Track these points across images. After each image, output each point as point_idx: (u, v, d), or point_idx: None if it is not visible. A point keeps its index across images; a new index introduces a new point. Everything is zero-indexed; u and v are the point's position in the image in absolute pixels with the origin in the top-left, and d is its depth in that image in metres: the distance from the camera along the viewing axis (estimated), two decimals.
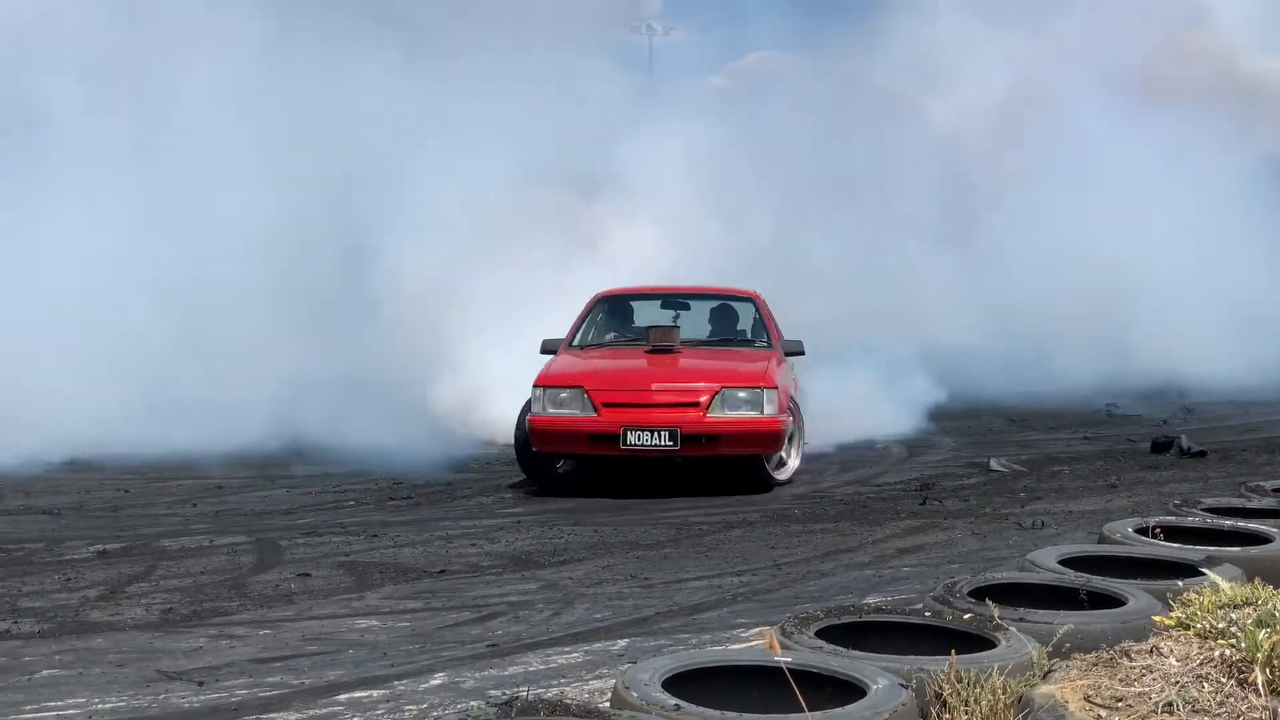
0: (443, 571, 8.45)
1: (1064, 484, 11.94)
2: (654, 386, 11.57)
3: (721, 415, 11.32)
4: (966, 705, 4.30)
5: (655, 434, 11.15)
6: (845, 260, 18.88)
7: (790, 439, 11.92)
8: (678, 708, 3.86)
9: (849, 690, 4.10)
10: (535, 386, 11.60)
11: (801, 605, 7.32)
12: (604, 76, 19.48)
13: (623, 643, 6.78)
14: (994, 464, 12.87)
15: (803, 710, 3.85)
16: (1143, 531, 6.74)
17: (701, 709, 3.85)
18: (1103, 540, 6.73)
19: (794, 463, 12.07)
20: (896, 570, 8.49)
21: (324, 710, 5.70)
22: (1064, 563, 6.03)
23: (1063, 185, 24.21)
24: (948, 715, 4.30)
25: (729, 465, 11.70)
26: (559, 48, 19.07)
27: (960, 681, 4.32)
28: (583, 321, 13.12)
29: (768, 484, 11.67)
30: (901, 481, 12.17)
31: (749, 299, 13.45)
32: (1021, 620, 4.93)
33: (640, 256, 16.00)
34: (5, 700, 5.84)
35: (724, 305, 13.62)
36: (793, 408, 12.00)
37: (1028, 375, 20.93)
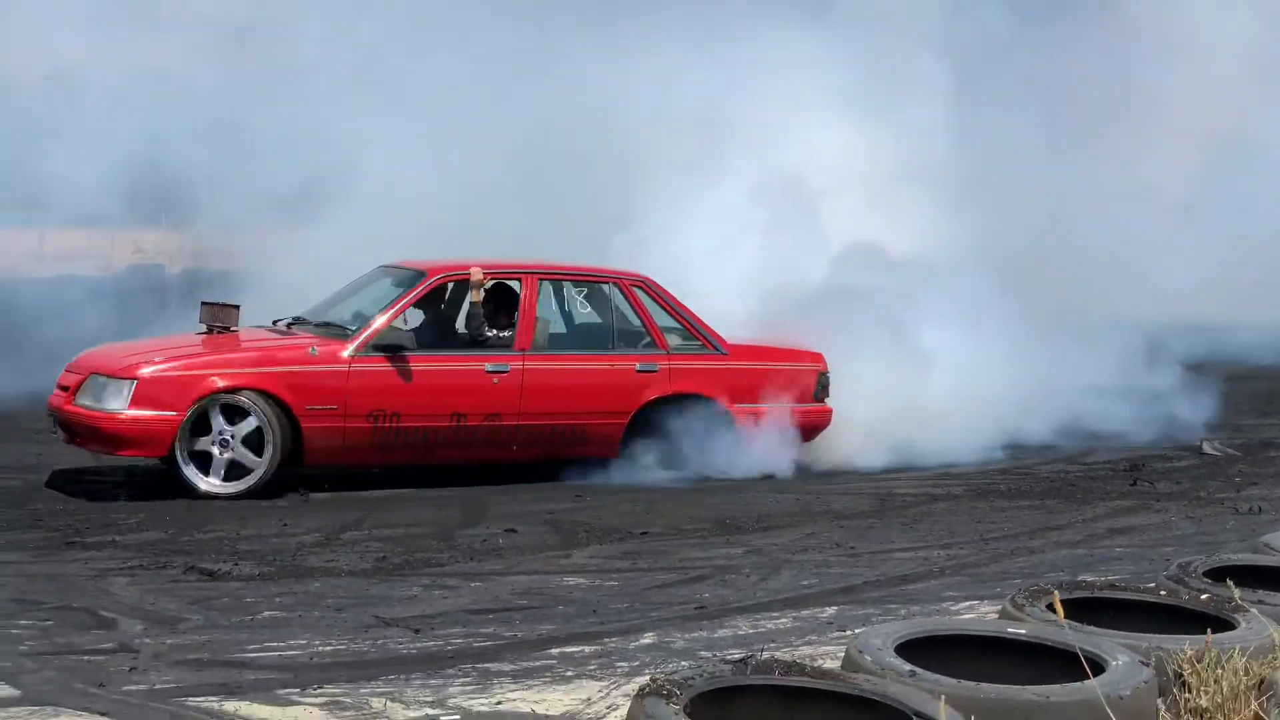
0: (646, 533, 8.47)
1: None
2: (69, 367, 9.71)
3: (81, 405, 9.23)
4: (1206, 686, 4.15)
5: (53, 419, 9.62)
6: (1080, 224, 18.00)
7: (258, 442, 9.31)
8: (913, 674, 3.79)
9: (1087, 665, 3.99)
10: None
11: (1011, 581, 7.19)
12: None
13: (831, 610, 6.73)
14: (1206, 447, 12.47)
15: (1040, 684, 3.75)
16: None
17: (938, 676, 3.77)
18: None
19: (253, 477, 9.30)
20: (1109, 550, 8.29)
21: (537, 663, 5.75)
22: None
23: None
24: (1187, 695, 4.16)
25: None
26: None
27: (1201, 662, 4.17)
28: (349, 295, 10.72)
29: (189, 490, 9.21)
30: (1110, 461, 11.85)
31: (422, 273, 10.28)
32: (1261, 603, 4.75)
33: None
34: (230, 639, 5.99)
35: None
36: (252, 406, 9.27)
37: (1245, 353, 20.17)
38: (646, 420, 10.39)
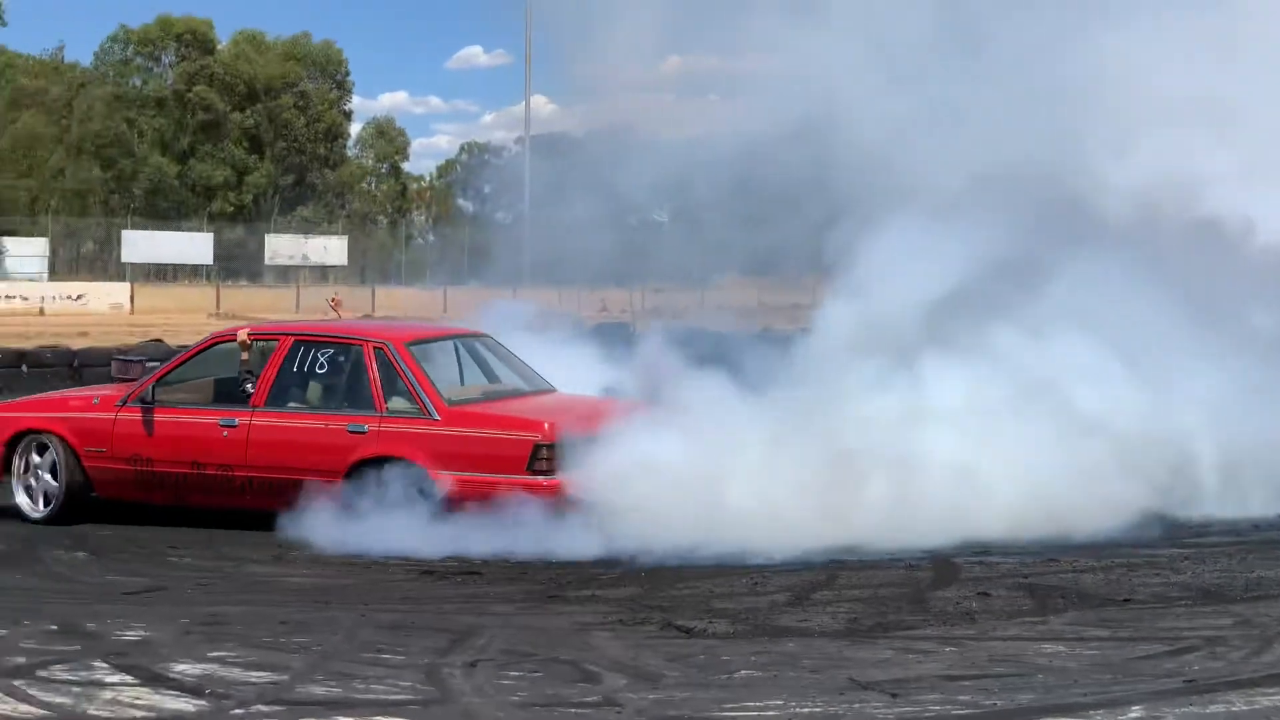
0: (1127, 600, 8.13)
1: None
2: None
3: None
4: None
5: None
6: None
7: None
8: None
9: None
10: None
11: None
12: None
13: None
14: None
15: None
16: None
17: None
18: None
19: (55, 503, 11.19)
20: None
21: None
22: None
23: None
24: None
25: None
26: None
27: None
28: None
29: None
30: None
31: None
32: None
33: None
34: (707, 697, 6.12)
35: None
36: (51, 445, 11.26)
37: None
38: (368, 481, 10.24)
